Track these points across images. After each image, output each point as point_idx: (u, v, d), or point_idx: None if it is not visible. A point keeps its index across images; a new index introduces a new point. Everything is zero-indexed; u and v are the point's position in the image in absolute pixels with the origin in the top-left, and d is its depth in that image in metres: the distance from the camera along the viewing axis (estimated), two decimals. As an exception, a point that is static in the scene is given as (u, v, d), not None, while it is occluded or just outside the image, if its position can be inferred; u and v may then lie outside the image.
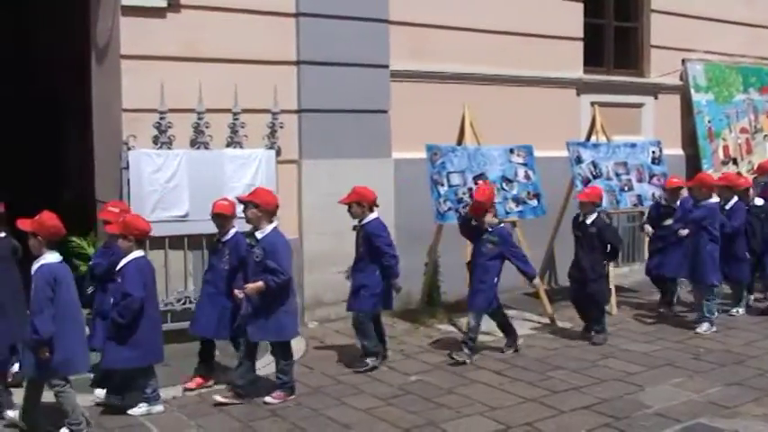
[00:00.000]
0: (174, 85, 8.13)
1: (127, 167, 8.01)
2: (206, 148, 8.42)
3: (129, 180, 8.00)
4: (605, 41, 12.09)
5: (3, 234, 6.89)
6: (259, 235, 6.70)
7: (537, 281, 8.55)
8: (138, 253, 6.44)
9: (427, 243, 9.45)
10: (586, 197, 8.67)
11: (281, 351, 6.87)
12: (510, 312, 8.74)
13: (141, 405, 6.50)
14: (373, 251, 7.62)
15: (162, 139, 8.18)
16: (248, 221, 6.74)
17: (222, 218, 7.04)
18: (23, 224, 5.94)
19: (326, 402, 6.76)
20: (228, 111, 8.49)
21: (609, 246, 8.56)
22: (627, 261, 11.82)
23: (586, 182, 9.94)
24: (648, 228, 9.67)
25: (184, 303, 8.26)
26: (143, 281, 6.38)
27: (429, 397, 6.87)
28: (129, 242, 6.41)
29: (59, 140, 13.79)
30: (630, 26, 12.37)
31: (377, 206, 7.72)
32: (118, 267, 6.44)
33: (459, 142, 9.41)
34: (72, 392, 6.00)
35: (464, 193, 9.06)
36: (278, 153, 8.77)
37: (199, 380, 7.05)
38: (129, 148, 8.03)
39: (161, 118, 8.15)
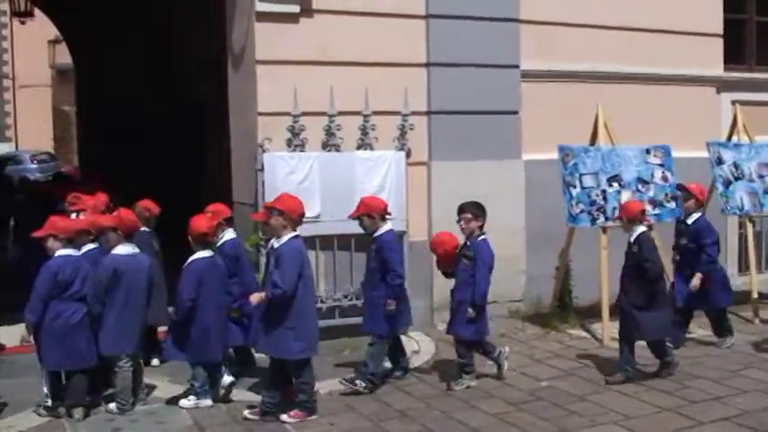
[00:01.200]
0: (306, 89, 8.27)
1: (261, 169, 8.21)
2: (337, 150, 8.54)
3: (263, 182, 8.19)
4: (747, 37, 11.56)
5: (146, 229, 7.50)
6: (276, 243, 6.34)
7: None
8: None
9: (558, 246, 9.26)
10: (623, 213, 7.61)
11: (293, 368, 6.36)
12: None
13: (190, 397, 6.72)
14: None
15: (295, 141, 8.35)
16: (271, 229, 6.43)
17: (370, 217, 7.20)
18: (104, 219, 6.78)
19: (456, 405, 6.73)
20: (359, 113, 8.58)
21: (642, 266, 7.18)
22: (769, 267, 11.27)
23: (727, 184, 9.54)
24: None
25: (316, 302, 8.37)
26: None
27: (560, 403, 6.73)
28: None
29: (199, 142, 14.27)
30: (774, 20, 11.80)
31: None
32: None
33: (593, 143, 9.18)
34: (127, 373, 6.57)
35: (597, 195, 8.84)
36: (408, 155, 8.80)
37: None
38: (263, 151, 8.22)
39: (294, 121, 8.31)
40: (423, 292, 9.01)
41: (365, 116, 8.60)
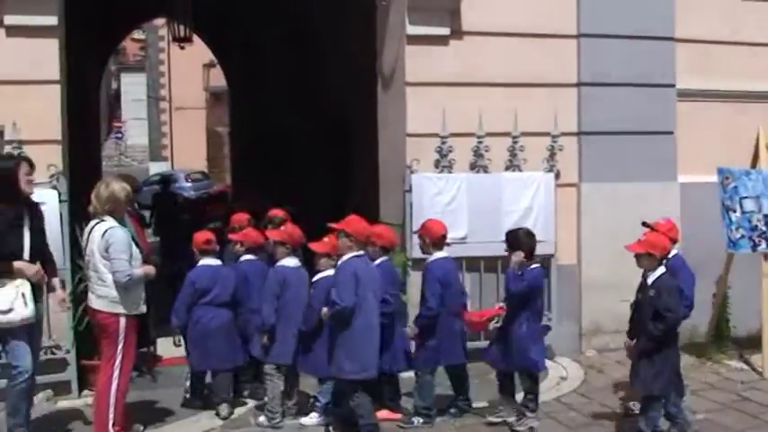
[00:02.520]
0: (455, 110, 8.28)
1: (409, 190, 8.26)
2: (485, 171, 8.50)
3: (411, 203, 8.25)
4: None
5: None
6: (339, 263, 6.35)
7: None
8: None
9: (715, 272, 8.86)
10: (639, 246, 6.26)
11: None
12: None
13: (312, 415, 6.84)
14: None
15: (443, 162, 8.37)
16: (339, 251, 6.37)
17: None
18: (271, 234, 7.08)
19: (606, 435, 6.54)
20: (508, 134, 8.51)
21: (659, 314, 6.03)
22: None
23: None
24: None
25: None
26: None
27: (718, 438, 6.44)
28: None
29: (346, 162, 14.54)
30: None
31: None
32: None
33: (753, 165, 8.77)
34: (278, 383, 6.78)
35: (758, 221, 8.42)
36: (557, 176, 8.66)
37: None
38: (411, 172, 8.28)
39: (442, 142, 8.34)
40: (571, 318, 8.84)
41: (514, 137, 8.53)
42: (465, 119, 8.30)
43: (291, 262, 6.84)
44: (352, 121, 13.73)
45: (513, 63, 8.67)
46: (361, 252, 6.33)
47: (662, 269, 6.17)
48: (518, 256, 6.61)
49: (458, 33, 8.56)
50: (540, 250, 8.24)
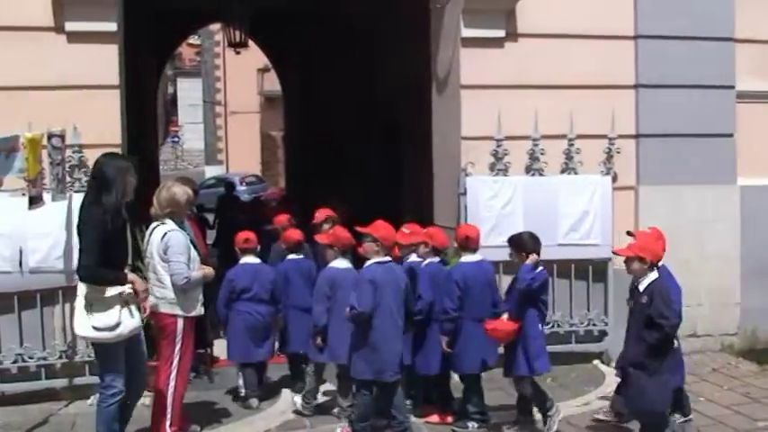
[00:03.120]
0: (510, 113, 8.23)
1: (464, 193, 8.24)
2: (540, 174, 8.43)
3: (465, 206, 8.22)
4: None
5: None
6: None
7: None
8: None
9: (777, 277, 8.69)
10: (628, 250, 6.06)
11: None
12: None
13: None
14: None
15: (498, 165, 8.33)
16: (365, 254, 6.41)
17: None
18: (320, 237, 7.29)
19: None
20: (563, 137, 8.44)
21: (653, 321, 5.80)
22: None
23: None
24: None
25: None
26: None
27: (781, 447, 6.29)
28: None
29: (399, 165, 14.54)
30: None
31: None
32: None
33: (818, 168, 8.58)
34: (313, 379, 7.16)
35: (822, 224, 8.23)
36: (614, 179, 8.56)
37: None
38: (466, 175, 8.26)
39: (498, 145, 8.30)
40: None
41: (570, 140, 8.46)
42: (520, 121, 8.26)
43: (341, 264, 6.93)
44: (405, 124, 13.74)
45: (569, 65, 8.58)
46: (387, 258, 6.38)
47: (654, 274, 5.92)
48: (532, 258, 6.58)
49: (513, 35, 8.50)
50: (596, 254, 8.25)
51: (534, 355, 6.52)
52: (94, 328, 5.63)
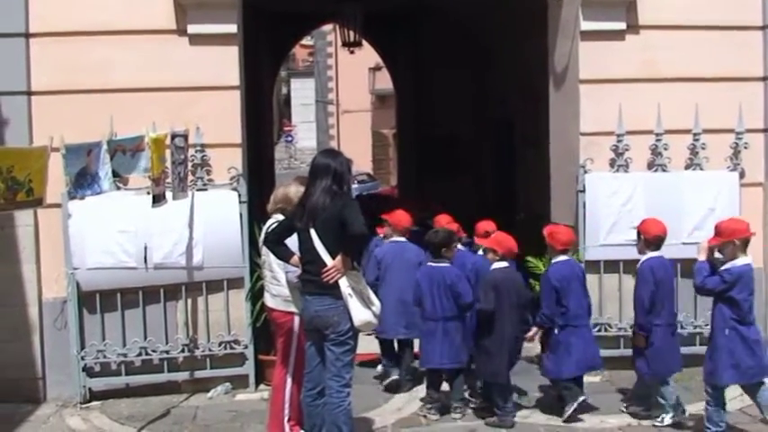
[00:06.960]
0: (631, 107, 8.00)
1: (583, 190, 8.06)
2: (663, 170, 8.16)
3: (584, 203, 8.04)
4: None
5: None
6: None
7: None
8: None
9: None
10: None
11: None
12: None
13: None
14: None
15: (619, 161, 8.10)
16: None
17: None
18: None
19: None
20: (688, 131, 8.14)
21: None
22: None
23: None
24: None
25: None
26: None
27: None
28: None
29: (513, 162, 14.39)
30: None
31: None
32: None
33: None
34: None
35: None
36: (741, 175, 8.21)
37: None
38: (585, 171, 8.07)
39: (618, 141, 8.07)
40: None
41: (695, 134, 8.15)
42: (642, 116, 8.01)
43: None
44: (519, 120, 13.57)
45: (693, 57, 8.28)
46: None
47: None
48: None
49: (634, 27, 8.25)
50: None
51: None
52: (375, 315, 5.73)
